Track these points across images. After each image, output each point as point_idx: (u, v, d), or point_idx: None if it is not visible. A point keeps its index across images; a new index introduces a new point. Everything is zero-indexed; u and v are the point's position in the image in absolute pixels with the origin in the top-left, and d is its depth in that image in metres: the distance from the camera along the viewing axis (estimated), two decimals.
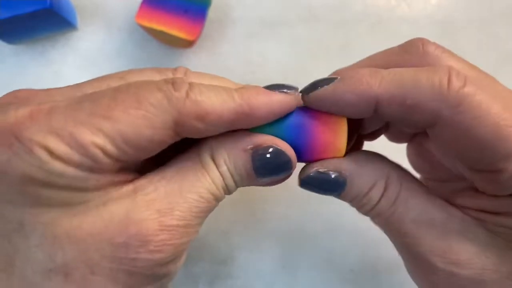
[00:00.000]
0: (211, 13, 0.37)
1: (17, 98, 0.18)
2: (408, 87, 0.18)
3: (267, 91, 0.19)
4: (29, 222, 0.16)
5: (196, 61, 0.38)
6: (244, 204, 0.35)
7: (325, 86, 0.19)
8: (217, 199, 0.19)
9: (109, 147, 0.16)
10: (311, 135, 0.20)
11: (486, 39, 0.39)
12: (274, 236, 0.35)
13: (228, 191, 0.20)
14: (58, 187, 0.16)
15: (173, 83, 0.17)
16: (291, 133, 0.20)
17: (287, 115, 0.20)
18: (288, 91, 0.19)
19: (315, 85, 0.20)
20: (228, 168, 0.19)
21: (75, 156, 0.16)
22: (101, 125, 0.16)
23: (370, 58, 0.23)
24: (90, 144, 0.16)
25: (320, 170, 0.20)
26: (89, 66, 0.37)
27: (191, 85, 0.17)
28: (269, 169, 0.19)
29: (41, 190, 0.16)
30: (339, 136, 0.20)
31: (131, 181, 0.18)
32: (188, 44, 0.36)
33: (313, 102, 0.19)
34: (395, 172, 0.21)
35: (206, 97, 0.17)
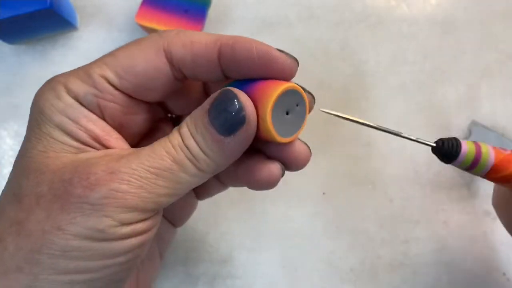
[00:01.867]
0: (211, 13, 0.37)
1: None
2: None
3: (254, 39, 0.20)
4: (20, 154, 0.20)
5: None
6: (244, 204, 0.35)
7: None
8: (176, 161, 0.19)
9: (110, 74, 0.20)
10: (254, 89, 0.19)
11: (486, 39, 0.39)
12: (274, 236, 0.35)
13: (193, 156, 0.19)
14: (55, 124, 0.19)
15: (167, 30, 0.21)
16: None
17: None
18: (281, 50, 0.20)
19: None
20: (188, 129, 0.19)
21: (83, 87, 0.19)
22: (105, 60, 0.20)
23: None
24: (96, 74, 0.19)
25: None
26: None
27: (185, 30, 0.20)
28: (223, 119, 0.18)
29: (43, 124, 0.19)
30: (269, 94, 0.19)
31: (111, 153, 0.20)
32: None
33: None
34: None
35: (194, 34, 0.20)
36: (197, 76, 0.21)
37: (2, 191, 0.20)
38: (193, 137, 0.19)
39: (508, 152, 0.19)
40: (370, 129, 0.37)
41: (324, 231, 0.35)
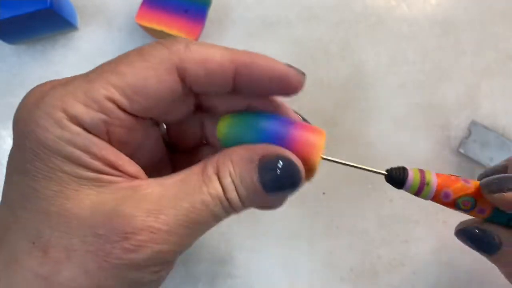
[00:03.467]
0: (211, 13, 0.37)
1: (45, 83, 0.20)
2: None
3: (270, 57, 0.19)
4: (29, 195, 0.17)
5: None
6: None
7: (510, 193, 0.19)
8: (214, 215, 0.18)
9: (120, 98, 0.17)
10: (292, 145, 0.19)
11: (486, 39, 0.39)
12: (274, 236, 0.35)
13: (231, 207, 0.18)
14: (64, 157, 0.17)
15: (174, 39, 0.18)
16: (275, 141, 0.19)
17: (271, 123, 0.19)
18: (293, 67, 0.19)
19: (501, 185, 0.20)
20: (232, 180, 0.18)
21: (89, 113, 0.17)
22: (110, 79, 0.17)
23: None
24: (102, 97, 0.17)
25: (481, 228, 0.20)
26: (89, 66, 0.37)
27: (191, 40, 0.18)
28: (276, 181, 0.18)
29: (50, 158, 0.17)
30: (317, 149, 0.20)
31: (133, 177, 0.18)
32: None
33: (497, 202, 0.20)
34: None
35: (206, 47, 0.18)
36: (206, 92, 0.20)
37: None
38: (236, 190, 0.18)
39: (453, 178, 0.21)
40: (370, 129, 0.38)
41: (324, 231, 0.35)
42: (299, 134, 0.19)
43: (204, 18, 0.36)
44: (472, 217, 0.22)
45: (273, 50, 0.38)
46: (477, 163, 0.36)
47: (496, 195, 0.20)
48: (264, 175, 0.18)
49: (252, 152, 0.18)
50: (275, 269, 0.34)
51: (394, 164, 0.37)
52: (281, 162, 0.18)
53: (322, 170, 0.37)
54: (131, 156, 0.20)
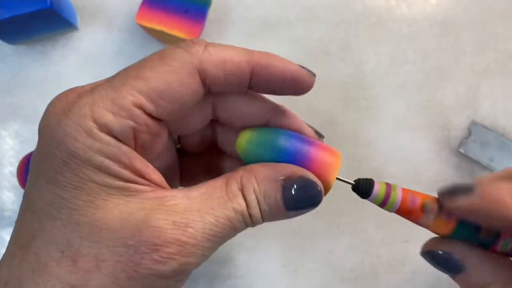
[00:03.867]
0: (211, 13, 0.37)
1: (69, 89, 0.20)
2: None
3: (286, 59, 0.20)
4: (58, 204, 0.17)
5: None
6: None
7: (462, 198, 0.19)
8: (235, 228, 0.19)
9: (146, 103, 0.18)
10: (309, 163, 0.20)
11: (486, 39, 0.39)
12: (274, 236, 0.35)
13: (251, 222, 0.19)
14: (94, 166, 0.17)
15: (192, 40, 0.19)
16: (292, 159, 0.20)
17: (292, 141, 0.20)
18: (306, 69, 0.20)
19: (453, 192, 0.20)
20: (256, 197, 0.19)
21: (118, 121, 0.17)
22: (135, 85, 0.18)
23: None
24: (131, 104, 0.17)
25: (444, 250, 0.20)
26: (89, 66, 0.38)
27: (208, 43, 0.19)
28: (299, 201, 0.19)
29: (79, 168, 0.17)
30: (333, 170, 0.21)
31: (158, 185, 0.19)
32: None
33: (448, 206, 0.20)
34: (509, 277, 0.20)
35: (224, 49, 0.19)
36: (224, 91, 0.20)
37: (22, 241, 0.18)
38: (259, 207, 0.19)
39: (418, 199, 0.21)
40: (370, 129, 0.37)
41: (324, 231, 0.35)
42: (318, 155, 0.20)
43: (204, 18, 0.36)
44: (436, 234, 0.22)
45: (273, 50, 0.38)
46: (477, 163, 0.36)
47: (447, 200, 0.20)
48: (287, 194, 0.19)
49: (277, 172, 0.19)
50: (275, 269, 0.34)
51: (394, 164, 0.37)
52: (304, 183, 0.19)
53: None
54: (151, 163, 0.20)
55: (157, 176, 0.19)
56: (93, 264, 0.17)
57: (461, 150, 0.36)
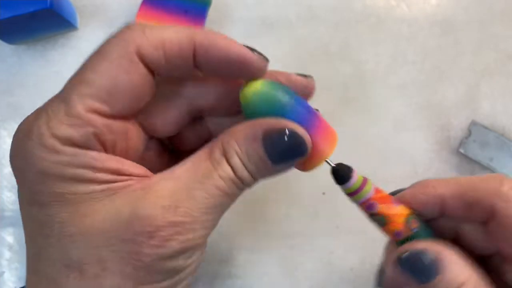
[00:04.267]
0: (211, 13, 0.37)
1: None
2: (468, 186, 0.20)
3: (233, 40, 0.19)
4: (47, 223, 0.17)
5: None
6: (244, 205, 0.35)
7: (402, 191, 0.21)
8: (229, 195, 0.19)
9: (98, 105, 0.17)
10: (312, 127, 0.20)
11: (486, 39, 0.39)
12: (274, 236, 0.35)
13: (243, 184, 0.19)
14: (69, 179, 0.17)
15: (128, 26, 0.18)
16: (296, 118, 0.19)
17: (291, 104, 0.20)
18: (256, 53, 0.20)
19: (397, 190, 0.22)
20: (240, 159, 0.18)
21: (77, 131, 0.17)
22: (81, 91, 0.17)
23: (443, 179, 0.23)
24: (83, 111, 0.17)
25: (417, 250, 0.19)
26: None
27: (148, 24, 0.18)
28: (283, 154, 0.19)
29: (55, 184, 0.17)
30: (331, 143, 0.21)
31: (141, 177, 0.18)
32: None
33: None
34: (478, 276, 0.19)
35: (162, 30, 0.18)
36: (171, 74, 0.20)
37: (32, 266, 0.18)
38: (246, 168, 0.19)
39: (385, 195, 0.22)
40: (370, 129, 0.37)
41: (324, 231, 0.35)
42: (322, 125, 0.20)
43: (204, 18, 0.36)
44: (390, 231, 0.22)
45: (273, 50, 0.38)
46: (477, 163, 0.36)
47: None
48: (270, 149, 0.18)
49: (256, 129, 0.19)
50: (275, 269, 0.34)
51: (394, 164, 0.37)
52: (283, 134, 0.18)
53: (322, 170, 0.37)
54: (129, 153, 0.20)
55: (138, 169, 0.19)
56: (99, 268, 0.17)
57: (461, 150, 0.36)
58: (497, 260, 0.21)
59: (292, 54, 0.38)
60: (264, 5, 0.39)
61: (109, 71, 0.18)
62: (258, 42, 0.39)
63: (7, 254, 0.36)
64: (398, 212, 0.21)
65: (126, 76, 0.18)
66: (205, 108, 0.21)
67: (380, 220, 0.21)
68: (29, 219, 0.18)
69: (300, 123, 0.19)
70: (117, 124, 0.19)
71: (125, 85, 0.18)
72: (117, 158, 0.18)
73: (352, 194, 0.21)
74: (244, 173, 0.19)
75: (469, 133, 0.36)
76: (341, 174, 0.21)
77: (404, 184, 0.36)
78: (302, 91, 0.21)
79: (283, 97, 0.19)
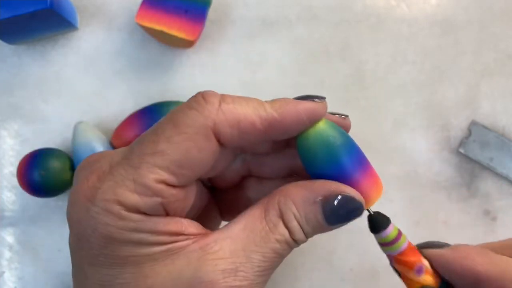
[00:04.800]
0: (211, 13, 0.37)
1: (89, 163, 0.20)
2: (507, 269, 0.19)
3: (296, 100, 0.19)
4: (109, 282, 0.18)
5: (196, 61, 0.38)
6: None
7: (437, 250, 0.21)
8: (282, 256, 0.19)
9: (168, 177, 0.18)
10: (360, 177, 0.20)
11: (486, 39, 0.39)
12: None
13: (297, 244, 0.19)
14: (133, 243, 0.17)
15: (203, 96, 0.18)
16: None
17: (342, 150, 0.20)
18: (316, 100, 0.20)
19: (429, 244, 0.22)
20: (298, 223, 0.19)
21: (144, 200, 0.17)
22: (154, 161, 0.17)
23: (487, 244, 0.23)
24: (153, 182, 0.17)
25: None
26: (89, 66, 0.38)
27: (222, 96, 0.19)
28: (340, 217, 0.19)
29: (119, 248, 0.17)
30: (378, 191, 0.21)
31: (197, 235, 0.19)
32: (188, 44, 0.36)
33: (424, 254, 0.21)
34: None
35: (238, 105, 0.18)
36: (238, 147, 0.21)
37: None
38: (302, 230, 0.19)
39: (415, 259, 0.21)
40: (370, 129, 0.37)
41: None
42: (371, 172, 0.20)
43: (204, 18, 0.36)
44: None
45: (273, 50, 0.38)
46: (477, 163, 0.36)
47: (423, 250, 0.21)
48: (328, 214, 0.19)
49: (315, 193, 0.19)
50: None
51: (395, 164, 0.37)
52: (343, 200, 0.19)
53: None
54: (185, 215, 0.20)
55: (194, 227, 0.19)
56: None
57: (461, 150, 0.36)
58: None
59: (292, 54, 0.38)
60: (264, 5, 0.39)
61: (183, 145, 0.18)
62: (258, 42, 0.39)
63: (7, 254, 0.36)
64: (413, 279, 0.21)
65: (198, 152, 0.18)
66: (247, 149, 0.22)
67: (397, 273, 0.22)
68: (87, 278, 0.18)
69: (354, 167, 0.20)
70: (180, 192, 0.19)
71: (195, 160, 0.18)
72: (177, 219, 0.19)
73: (381, 244, 0.22)
74: (300, 235, 0.19)
75: (469, 133, 0.36)
76: (377, 222, 0.22)
77: (404, 184, 0.37)
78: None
79: (341, 139, 0.20)
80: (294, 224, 0.19)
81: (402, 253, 0.21)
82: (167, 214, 0.18)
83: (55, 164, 0.33)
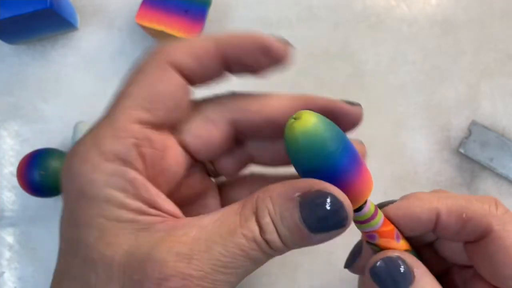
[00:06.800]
0: (211, 13, 0.37)
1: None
2: (464, 204, 0.20)
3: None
4: (76, 243, 0.17)
5: None
6: None
7: (391, 205, 0.21)
8: (251, 258, 0.17)
9: (141, 114, 0.18)
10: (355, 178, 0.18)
11: (486, 39, 0.39)
12: None
13: (271, 249, 0.17)
14: (101, 200, 0.17)
15: (161, 44, 0.20)
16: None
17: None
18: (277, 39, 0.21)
19: (382, 203, 0.22)
20: (272, 220, 0.17)
21: (120, 142, 0.18)
22: (125, 104, 0.18)
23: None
24: (127, 122, 0.18)
25: (398, 256, 0.19)
26: (89, 66, 0.38)
27: (178, 39, 0.20)
28: (321, 220, 0.17)
29: (89, 205, 0.17)
30: (370, 187, 0.19)
31: (170, 215, 0.18)
32: None
33: (386, 211, 0.21)
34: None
35: (192, 40, 0.21)
36: (207, 81, 0.21)
37: (56, 282, 0.18)
38: (277, 231, 0.17)
39: (391, 228, 0.21)
40: (370, 129, 0.37)
41: None
42: (364, 170, 0.19)
43: (204, 18, 0.36)
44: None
45: None
46: (477, 163, 0.36)
47: (385, 207, 0.22)
48: (307, 213, 0.17)
49: (293, 188, 0.17)
50: (275, 269, 0.34)
51: (395, 164, 0.37)
52: (324, 198, 0.17)
53: None
54: (173, 192, 0.20)
55: (170, 206, 0.18)
56: None
57: (461, 150, 0.36)
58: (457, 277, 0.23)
59: (292, 54, 0.38)
60: (264, 5, 0.39)
61: (146, 82, 0.19)
62: None
63: (7, 254, 0.36)
64: (396, 247, 0.20)
65: (162, 84, 0.19)
66: (248, 132, 0.21)
67: (375, 249, 0.21)
68: (63, 237, 0.18)
69: (346, 173, 0.17)
70: (157, 137, 0.19)
71: (163, 93, 0.19)
72: (153, 188, 0.18)
73: (361, 222, 0.20)
74: (273, 236, 0.17)
75: (469, 133, 0.36)
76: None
77: (404, 184, 0.37)
78: (348, 120, 0.22)
79: (335, 144, 0.17)
80: (267, 221, 0.17)
81: (382, 224, 0.20)
82: (144, 168, 0.18)
83: (55, 164, 0.33)
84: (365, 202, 0.19)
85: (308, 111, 0.17)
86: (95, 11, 0.39)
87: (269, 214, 0.17)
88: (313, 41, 0.39)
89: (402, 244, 0.21)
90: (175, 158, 0.20)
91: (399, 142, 0.37)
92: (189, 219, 0.18)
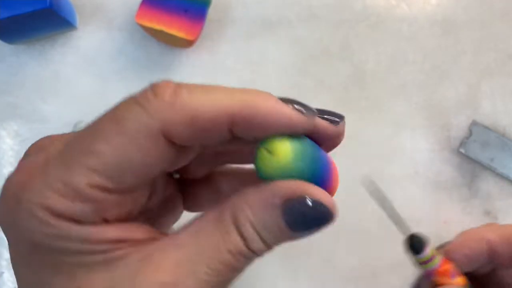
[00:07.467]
0: (211, 13, 0.37)
1: (36, 147, 0.17)
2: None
3: (280, 100, 0.16)
4: (38, 286, 0.16)
5: (196, 61, 0.38)
6: None
7: (449, 244, 0.22)
8: (237, 269, 0.16)
9: (103, 182, 0.15)
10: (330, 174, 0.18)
11: (486, 39, 0.39)
12: None
13: (256, 255, 0.17)
14: (62, 252, 0.15)
15: (153, 88, 0.15)
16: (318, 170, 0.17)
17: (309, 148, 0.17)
18: (305, 112, 0.17)
19: (441, 245, 0.22)
20: (254, 229, 0.16)
21: (74, 206, 0.15)
22: (87, 163, 0.15)
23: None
24: (85, 186, 0.15)
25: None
26: (89, 66, 0.37)
27: (178, 86, 0.15)
28: (306, 223, 0.17)
29: (47, 257, 0.15)
30: (338, 180, 0.19)
31: (144, 241, 0.16)
32: (188, 44, 0.36)
33: (445, 252, 0.22)
34: None
35: (195, 98, 0.15)
36: (203, 145, 0.18)
37: None
38: (260, 238, 0.16)
39: (448, 266, 0.22)
40: (370, 129, 0.37)
41: (324, 231, 0.35)
42: (334, 167, 0.18)
43: (204, 18, 0.36)
44: None
45: (273, 50, 0.38)
46: (478, 163, 0.36)
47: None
48: (291, 218, 0.16)
49: (274, 194, 0.16)
50: (275, 269, 0.34)
51: (395, 164, 0.37)
52: (306, 202, 0.16)
53: None
54: (135, 216, 0.18)
55: (141, 232, 0.17)
56: None
57: (462, 150, 0.36)
58: None
59: (292, 54, 0.38)
60: (264, 5, 0.39)
61: (122, 146, 0.15)
62: (258, 42, 0.39)
63: (7, 254, 0.36)
64: (451, 283, 0.22)
65: (143, 155, 0.15)
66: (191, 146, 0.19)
67: (433, 284, 0.22)
68: (23, 281, 0.17)
69: (323, 182, 0.17)
70: (122, 197, 0.16)
71: (139, 164, 0.15)
72: (118, 225, 0.16)
73: (422, 263, 0.22)
74: (259, 244, 0.16)
75: (470, 133, 0.36)
76: (417, 244, 0.22)
77: (405, 184, 0.36)
78: (329, 139, 0.18)
79: (312, 168, 0.17)
80: (250, 232, 0.16)
81: (440, 264, 0.22)
82: (106, 220, 0.16)
83: None
84: (424, 246, 0.21)
85: (279, 139, 0.16)
86: (94, 11, 0.39)
87: (251, 224, 0.16)
88: (313, 41, 0.39)
89: (458, 281, 0.22)
90: (145, 195, 0.18)
91: (399, 142, 0.37)
92: (165, 239, 0.16)
